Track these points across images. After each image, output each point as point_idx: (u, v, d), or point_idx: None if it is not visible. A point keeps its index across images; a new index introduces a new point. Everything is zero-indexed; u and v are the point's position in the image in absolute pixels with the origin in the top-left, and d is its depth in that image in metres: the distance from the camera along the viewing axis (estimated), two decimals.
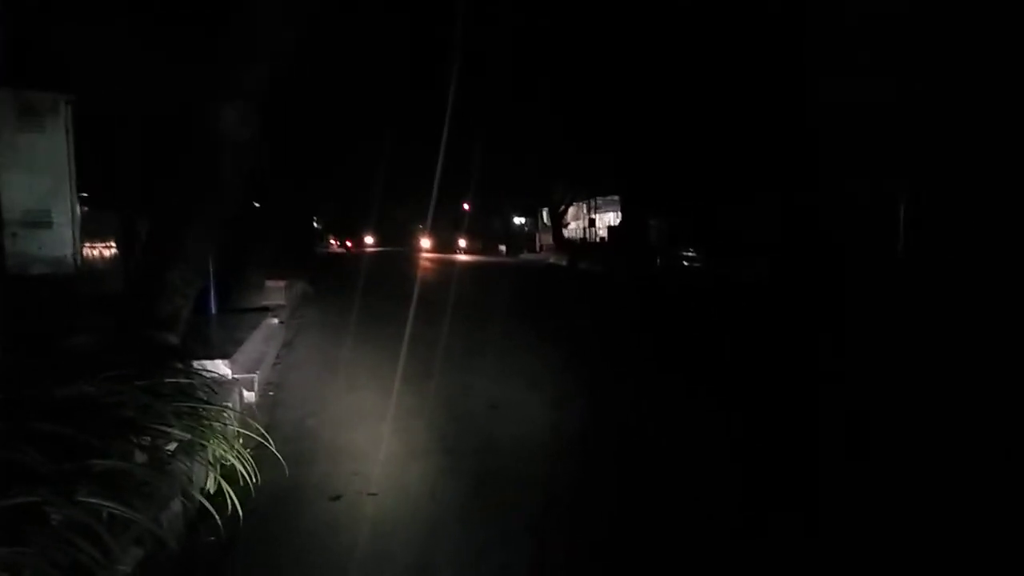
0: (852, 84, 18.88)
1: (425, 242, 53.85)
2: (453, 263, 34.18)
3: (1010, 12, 14.88)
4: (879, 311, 13.78)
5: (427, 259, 40.70)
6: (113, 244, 13.44)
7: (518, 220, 50.14)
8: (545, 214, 45.83)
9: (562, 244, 39.41)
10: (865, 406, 6.93)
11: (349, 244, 66.83)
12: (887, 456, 5.38)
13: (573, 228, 45.41)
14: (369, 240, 69.48)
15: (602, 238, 39.90)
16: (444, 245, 53.14)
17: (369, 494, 4.57)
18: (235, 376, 6.42)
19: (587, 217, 43.53)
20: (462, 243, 46.17)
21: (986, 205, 15.27)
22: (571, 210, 44.32)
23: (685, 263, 20.81)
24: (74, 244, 7.46)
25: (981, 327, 11.31)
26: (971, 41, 15.47)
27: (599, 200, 41.34)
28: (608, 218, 40.45)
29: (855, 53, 18.84)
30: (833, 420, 6.44)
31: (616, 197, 37.87)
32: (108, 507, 2.96)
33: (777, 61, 20.96)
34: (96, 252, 13.30)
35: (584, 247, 37.06)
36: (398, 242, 65.34)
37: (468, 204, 53.26)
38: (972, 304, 12.67)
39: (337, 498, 4.51)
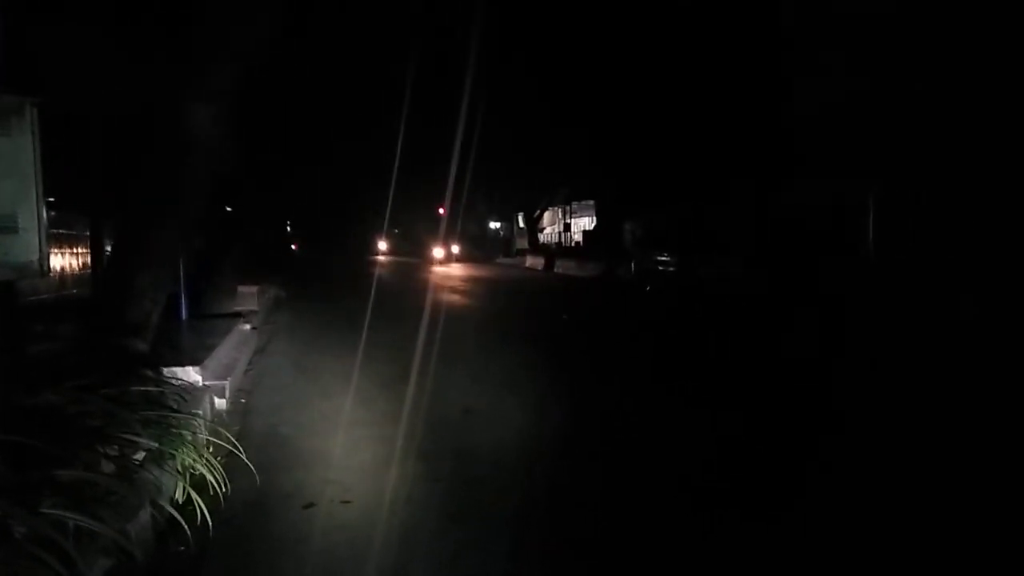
0: (825, 85, 19.13)
1: (382, 246, 53.52)
2: (418, 268, 34.11)
3: (986, 11, 15.14)
4: (849, 311, 13.97)
5: (390, 264, 40.59)
6: (81, 248, 13.23)
7: (494, 225, 50.10)
8: (521, 219, 45.85)
9: (538, 249, 39.44)
10: (829, 398, 7.00)
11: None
12: (845, 446, 5.43)
13: (549, 232, 45.47)
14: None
15: (577, 242, 40.01)
16: (414, 250, 53.02)
17: (343, 502, 4.51)
18: (206, 383, 6.33)
19: (562, 222, 43.63)
20: (437, 252, 41.96)
21: (959, 204, 15.52)
22: (547, 215, 44.40)
23: (660, 267, 20.89)
24: (41, 249, 7.28)
25: (951, 325, 11.50)
26: (948, 41, 15.69)
27: (574, 205, 41.46)
28: (583, 222, 40.57)
29: (830, 54, 19.08)
30: (802, 415, 6.50)
31: (591, 202, 38.01)
32: (73, 519, 2.89)
33: (751, 62, 21.15)
34: (64, 257, 13.09)
35: (559, 251, 37.15)
36: (365, 249, 65.04)
37: (443, 208, 53.18)
38: (943, 302, 12.87)
39: (310, 506, 4.45)
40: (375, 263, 37.00)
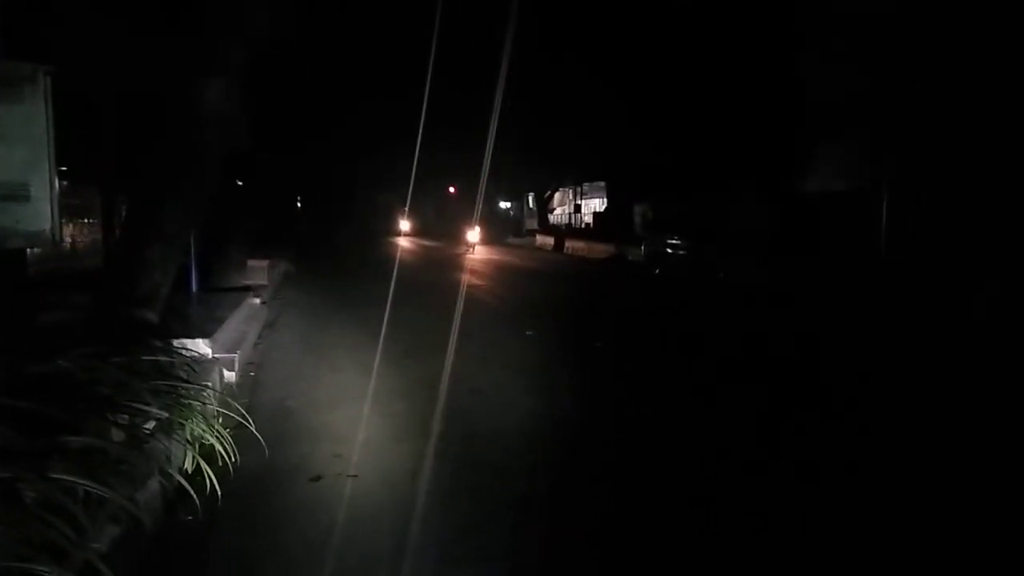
0: (840, 75, 18.93)
1: (404, 225, 53.20)
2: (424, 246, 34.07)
3: (991, 10, 14.93)
4: (854, 300, 13.93)
5: (407, 244, 40.58)
6: (93, 219, 13.28)
7: (503, 205, 49.92)
8: (531, 199, 45.68)
9: (548, 230, 39.29)
10: (833, 386, 6.98)
11: None
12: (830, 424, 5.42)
13: (559, 213, 45.30)
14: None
15: (587, 224, 39.86)
16: (427, 230, 52.95)
17: (349, 476, 4.54)
18: (215, 355, 6.35)
19: (573, 203, 43.45)
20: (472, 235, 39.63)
21: (969, 200, 15.37)
22: (557, 195, 44.20)
23: (669, 250, 20.78)
24: (52, 218, 7.30)
25: (959, 318, 11.43)
26: (955, 37, 15.49)
27: (585, 186, 41.26)
28: (594, 204, 40.39)
29: (844, 45, 18.87)
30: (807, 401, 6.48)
31: (602, 183, 37.80)
32: (83, 485, 2.90)
33: (767, 51, 20.94)
34: (76, 227, 13.15)
35: (569, 233, 37.02)
36: (384, 226, 65.02)
37: (454, 188, 53.00)
38: (952, 296, 12.77)
39: (317, 479, 4.48)
40: (396, 246, 36.70)
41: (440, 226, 50.81)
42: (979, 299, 11.97)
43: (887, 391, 7.12)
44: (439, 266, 23.09)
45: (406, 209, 53.09)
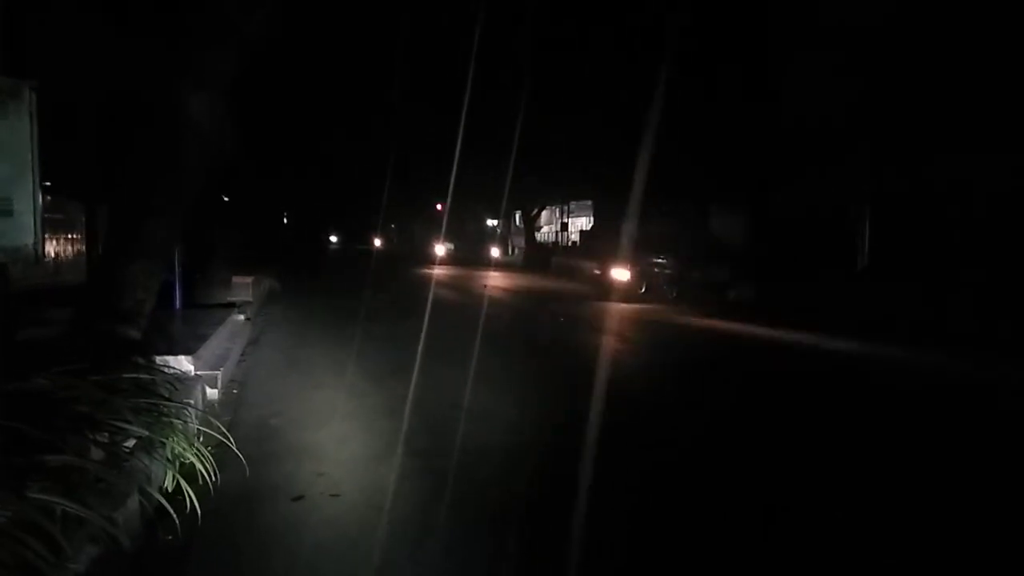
0: (819, 92, 19.20)
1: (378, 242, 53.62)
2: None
3: (978, 19, 15.18)
4: (824, 307, 14.24)
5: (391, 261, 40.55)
6: (76, 234, 13.17)
7: (491, 223, 50.03)
8: (518, 217, 45.80)
9: (535, 247, 39.38)
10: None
11: None
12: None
13: (546, 231, 45.43)
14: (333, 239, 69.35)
15: (574, 242, 39.98)
16: (413, 249, 53.16)
17: (332, 495, 4.50)
18: (198, 373, 6.30)
19: (559, 221, 43.60)
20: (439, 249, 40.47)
21: (949, 214, 15.66)
22: (544, 214, 44.33)
23: (655, 269, 20.86)
24: (35, 233, 7.23)
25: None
26: (935, 55, 15.74)
27: (572, 204, 41.43)
28: (580, 222, 40.56)
29: (828, 62, 19.14)
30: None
31: (589, 202, 37.99)
32: (60, 504, 2.86)
33: (750, 68, 21.20)
34: (58, 242, 13.03)
35: (556, 251, 37.16)
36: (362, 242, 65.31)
37: (441, 206, 53.08)
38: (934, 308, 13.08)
39: (299, 498, 4.43)
40: (379, 263, 36.22)
41: (428, 244, 51.10)
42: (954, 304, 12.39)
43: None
44: (417, 280, 23.10)
45: (393, 227, 53.16)
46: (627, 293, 20.04)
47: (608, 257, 22.61)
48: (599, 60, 24.73)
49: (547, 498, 4.57)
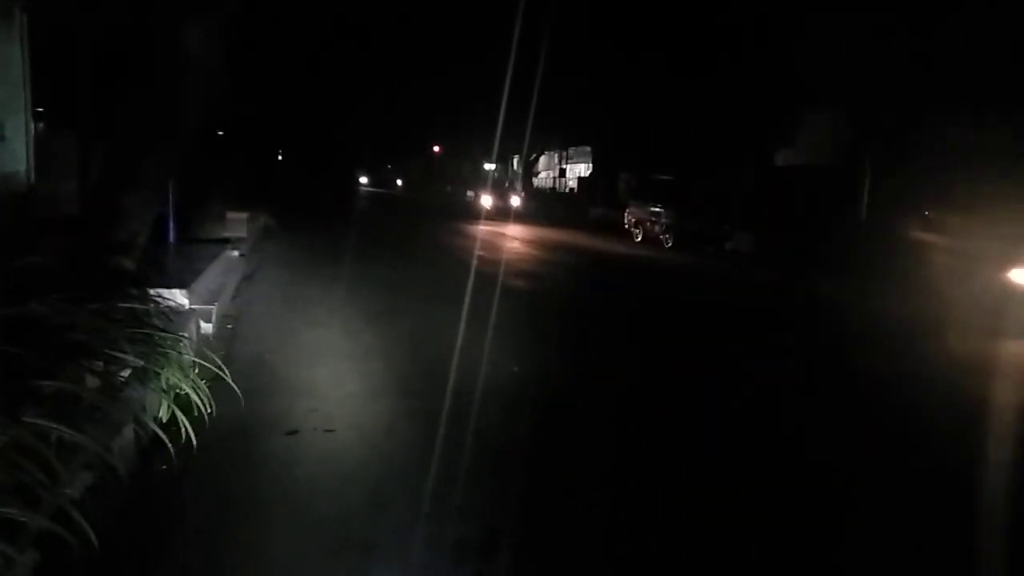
0: (828, 51, 18.88)
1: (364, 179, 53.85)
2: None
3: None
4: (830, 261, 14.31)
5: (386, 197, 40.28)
6: (70, 163, 12.99)
7: (488, 167, 49.60)
8: (516, 162, 45.36)
9: (532, 193, 39.16)
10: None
11: None
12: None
13: (543, 177, 45.06)
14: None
15: (571, 188, 39.72)
16: (411, 187, 52.97)
17: (326, 431, 4.54)
18: (192, 307, 6.29)
19: (558, 167, 43.21)
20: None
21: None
22: (542, 159, 43.92)
23: (652, 219, 20.80)
24: (28, 160, 7.15)
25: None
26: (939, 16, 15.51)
27: (571, 151, 41.01)
28: (579, 169, 40.21)
29: (835, 20, 18.79)
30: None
31: (588, 148, 37.60)
32: (57, 429, 2.87)
33: (758, 26, 20.80)
34: (51, 171, 12.84)
35: (553, 196, 36.94)
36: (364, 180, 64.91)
37: (438, 148, 52.55)
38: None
39: (293, 433, 4.48)
40: (376, 199, 35.45)
41: (425, 184, 50.87)
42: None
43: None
44: (414, 217, 23.03)
45: (389, 166, 52.63)
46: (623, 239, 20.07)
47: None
48: (608, 11, 24.14)
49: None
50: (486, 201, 28.10)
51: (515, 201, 26.69)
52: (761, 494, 3.99)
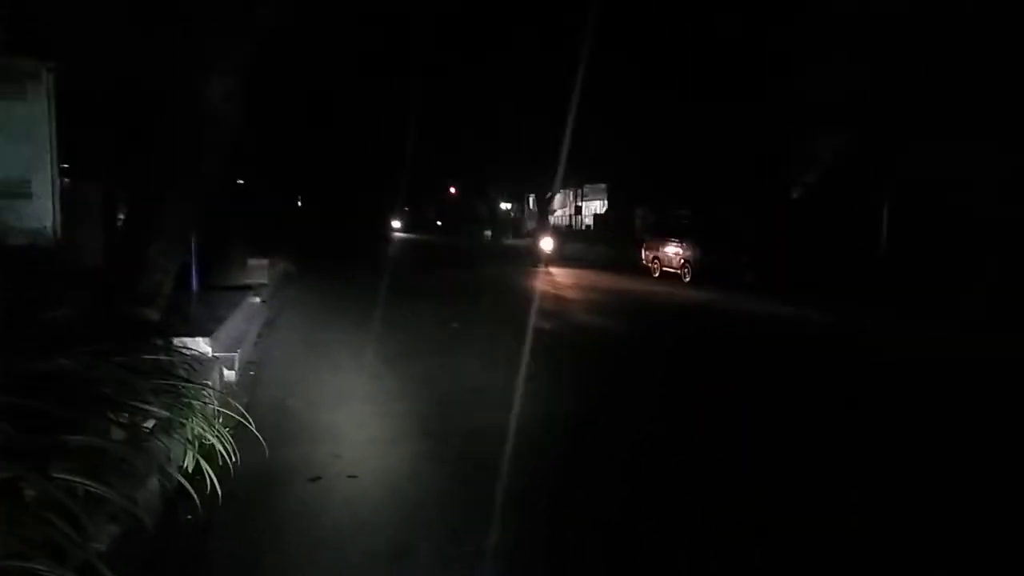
0: (836, 84, 18.98)
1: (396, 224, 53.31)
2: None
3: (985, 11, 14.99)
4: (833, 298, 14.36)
5: (407, 242, 40.59)
6: (94, 217, 13.23)
7: (504, 205, 49.91)
8: (531, 200, 45.65)
9: (548, 231, 39.34)
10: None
11: None
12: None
13: (559, 215, 45.27)
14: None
15: (588, 225, 39.83)
16: (427, 229, 53.28)
17: (349, 476, 4.53)
18: (216, 354, 6.35)
19: (574, 204, 43.41)
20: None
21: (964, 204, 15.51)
22: (558, 197, 44.17)
23: (670, 253, 20.80)
24: (54, 215, 7.29)
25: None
26: (949, 39, 15.52)
27: (586, 188, 41.22)
28: (595, 206, 40.37)
29: (842, 51, 18.93)
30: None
31: (603, 185, 37.78)
32: (83, 483, 2.89)
33: (765, 59, 20.98)
34: (77, 225, 13.08)
35: (570, 234, 37.00)
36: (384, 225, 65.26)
37: (454, 188, 53.03)
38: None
39: (317, 479, 4.47)
40: (396, 244, 35.19)
41: (436, 224, 51.18)
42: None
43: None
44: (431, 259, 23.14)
45: (406, 209, 53.05)
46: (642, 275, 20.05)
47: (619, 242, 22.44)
48: (615, 53, 24.44)
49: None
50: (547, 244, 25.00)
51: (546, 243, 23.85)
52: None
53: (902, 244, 17.18)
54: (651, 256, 21.88)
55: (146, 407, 3.76)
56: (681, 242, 20.32)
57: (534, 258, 23.98)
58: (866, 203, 18.39)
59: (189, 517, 3.76)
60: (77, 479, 2.88)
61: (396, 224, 52.14)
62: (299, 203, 50.94)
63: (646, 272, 21.59)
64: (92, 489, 2.92)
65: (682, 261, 19.91)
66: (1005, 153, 14.73)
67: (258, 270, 13.12)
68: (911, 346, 10.20)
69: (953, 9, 15.77)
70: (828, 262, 17.25)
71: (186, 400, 4.15)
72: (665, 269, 20.73)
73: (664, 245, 21.20)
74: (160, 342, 4.97)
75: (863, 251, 17.80)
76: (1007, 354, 9.59)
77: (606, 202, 37.84)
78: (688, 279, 19.25)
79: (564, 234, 37.37)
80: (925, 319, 12.40)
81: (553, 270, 22.13)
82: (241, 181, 23.78)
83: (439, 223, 55.86)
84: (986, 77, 14.92)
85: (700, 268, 19.12)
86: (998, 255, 14.06)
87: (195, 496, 3.71)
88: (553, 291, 16.34)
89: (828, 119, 19.52)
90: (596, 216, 38.69)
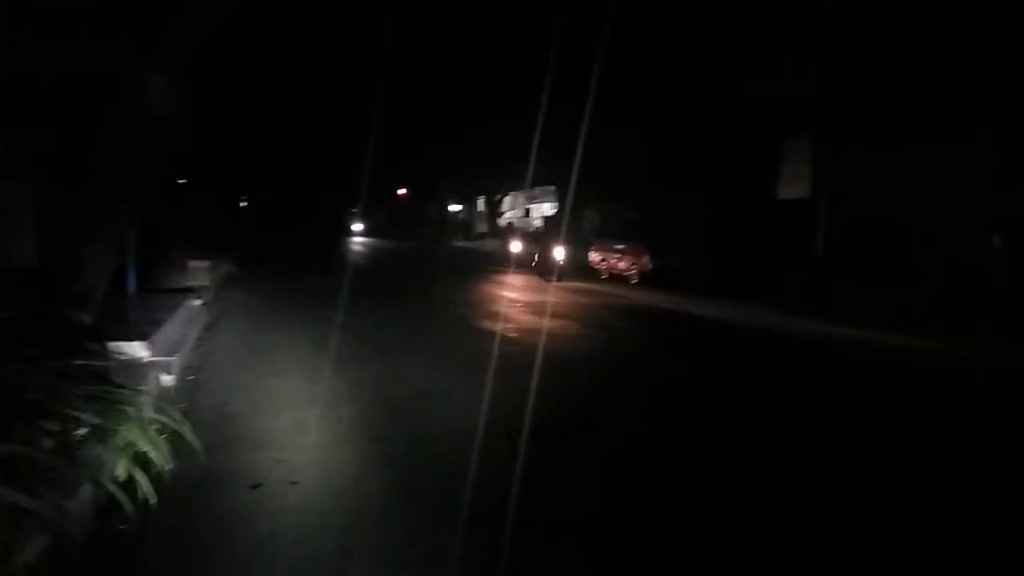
0: (783, 85, 19.47)
1: (357, 227, 52.10)
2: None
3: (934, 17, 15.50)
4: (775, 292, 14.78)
5: (358, 246, 40.15)
6: (27, 216, 12.79)
7: (453, 208, 49.78)
8: (481, 202, 45.67)
9: (497, 232, 39.39)
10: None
11: None
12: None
13: (509, 216, 45.36)
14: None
15: (537, 227, 40.03)
16: (379, 231, 52.60)
17: (291, 483, 4.47)
18: (153, 359, 6.20)
19: (523, 207, 43.59)
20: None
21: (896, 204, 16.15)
22: (507, 199, 44.28)
23: (615, 256, 21.06)
24: None
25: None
26: (902, 46, 16.01)
27: (536, 190, 41.42)
28: (544, 208, 40.58)
29: (791, 52, 19.44)
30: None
31: (552, 187, 38.02)
32: (8, 494, 2.80)
33: (720, 61, 21.36)
34: (6, 224, 12.63)
35: (519, 235, 37.18)
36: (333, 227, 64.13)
37: (403, 191, 52.67)
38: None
39: (258, 486, 4.40)
40: (345, 247, 34.82)
41: (391, 227, 50.65)
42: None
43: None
44: (383, 263, 22.93)
45: (357, 211, 52.35)
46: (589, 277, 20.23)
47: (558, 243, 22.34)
48: (565, 49, 24.61)
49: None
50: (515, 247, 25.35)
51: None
52: None
53: (837, 247, 17.80)
54: (598, 258, 22.11)
55: (77, 414, 3.66)
56: (627, 244, 20.61)
57: (543, 270, 21.63)
58: (809, 207, 18.96)
59: (122, 527, 3.67)
60: (2, 489, 2.79)
61: (357, 227, 50.04)
62: (244, 204, 50.05)
63: (593, 275, 21.82)
64: (17, 500, 2.83)
65: (629, 264, 20.18)
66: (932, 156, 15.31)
67: (199, 272, 12.83)
68: (812, 343, 10.54)
69: (890, 16, 16.29)
70: (766, 264, 17.73)
71: (119, 407, 4.05)
72: (612, 272, 20.97)
73: (611, 248, 21.45)
74: (94, 346, 4.84)
75: (801, 254, 18.36)
76: (897, 356, 9.96)
77: (555, 204, 38.11)
78: (635, 281, 19.54)
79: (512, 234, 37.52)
80: (839, 319, 12.81)
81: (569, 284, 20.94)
82: (182, 181, 23.27)
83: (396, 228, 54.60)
84: (920, 83, 15.43)
85: (646, 271, 19.47)
86: (922, 259, 14.74)
87: (128, 505, 3.62)
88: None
89: (773, 122, 20.02)
90: (545, 218, 38.92)
